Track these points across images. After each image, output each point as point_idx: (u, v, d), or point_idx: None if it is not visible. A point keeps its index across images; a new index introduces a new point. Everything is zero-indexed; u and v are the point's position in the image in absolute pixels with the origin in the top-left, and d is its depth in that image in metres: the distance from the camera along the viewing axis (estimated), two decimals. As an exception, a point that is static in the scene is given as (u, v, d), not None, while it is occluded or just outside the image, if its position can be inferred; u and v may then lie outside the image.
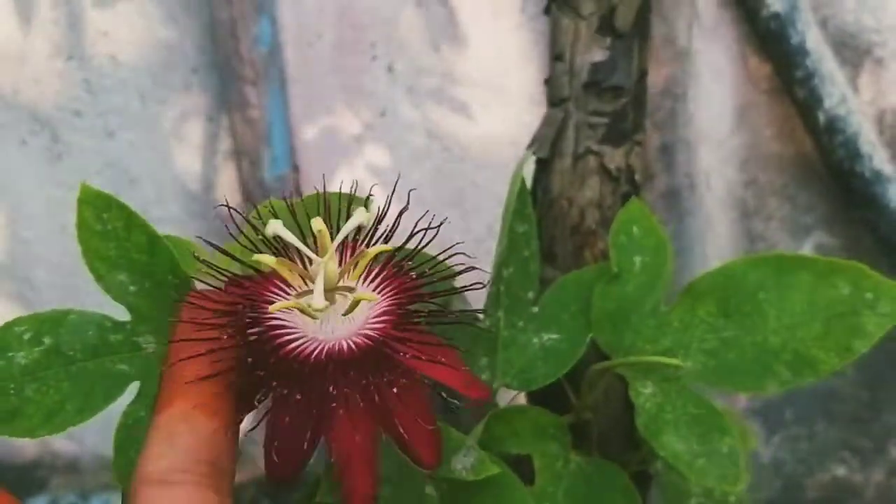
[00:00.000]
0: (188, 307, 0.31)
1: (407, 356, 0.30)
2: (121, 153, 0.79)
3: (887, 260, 0.72)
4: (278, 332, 0.30)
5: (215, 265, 0.31)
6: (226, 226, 0.32)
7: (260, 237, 0.32)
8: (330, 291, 0.30)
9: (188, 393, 0.29)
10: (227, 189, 0.79)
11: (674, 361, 0.45)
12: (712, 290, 0.47)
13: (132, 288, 0.35)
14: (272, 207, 0.33)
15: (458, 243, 0.32)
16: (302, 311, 0.29)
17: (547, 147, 0.57)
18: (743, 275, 0.47)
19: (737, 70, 0.73)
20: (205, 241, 0.33)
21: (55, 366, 0.35)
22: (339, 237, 0.31)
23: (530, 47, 0.72)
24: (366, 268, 0.31)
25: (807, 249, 0.77)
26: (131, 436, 0.35)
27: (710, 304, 0.47)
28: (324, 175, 0.39)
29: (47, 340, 0.35)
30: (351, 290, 0.31)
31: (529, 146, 0.58)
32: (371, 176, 0.78)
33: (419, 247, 0.32)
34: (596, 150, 0.56)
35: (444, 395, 0.31)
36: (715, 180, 0.76)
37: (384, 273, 0.32)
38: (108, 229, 0.35)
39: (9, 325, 0.36)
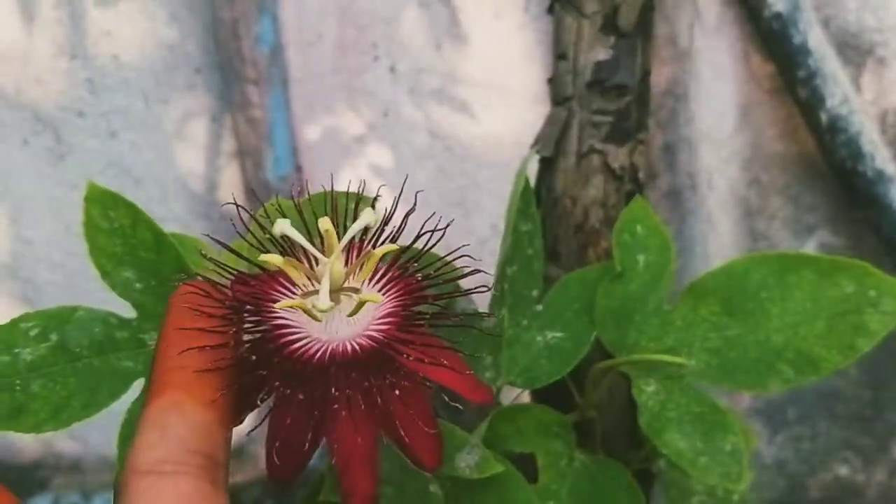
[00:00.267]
0: (182, 295, 0.31)
1: (410, 359, 0.29)
2: (123, 153, 0.79)
3: (890, 259, 0.72)
4: (282, 331, 0.30)
5: (222, 263, 0.31)
6: (232, 224, 0.32)
7: (267, 236, 0.32)
8: (335, 292, 0.30)
9: (180, 382, 0.28)
10: (230, 189, 0.79)
11: (677, 360, 0.45)
12: (715, 288, 0.47)
13: (138, 285, 0.36)
14: (279, 206, 0.33)
15: (464, 245, 0.31)
16: (305, 311, 0.29)
17: (551, 146, 0.57)
18: (746, 273, 0.47)
19: (739, 70, 0.73)
20: (212, 238, 0.33)
21: (61, 362, 0.36)
22: (346, 238, 0.31)
23: (533, 46, 0.72)
24: (372, 269, 0.31)
25: (809, 249, 0.78)
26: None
27: (714, 302, 0.47)
28: (332, 175, 0.39)
29: (54, 337, 0.36)
30: (356, 291, 0.31)
31: (533, 145, 0.58)
32: (373, 176, 0.78)
33: (425, 248, 0.32)
34: (599, 148, 0.56)
35: (447, 398, 0.31)
36: (717, 180, 0.76)
37: (389, 274, 0.32)
38: (115, 227, 0.35)
39: (15, 322, 0.36)
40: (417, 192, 0.34)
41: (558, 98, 0.58)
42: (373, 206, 0.32)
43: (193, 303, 0.30)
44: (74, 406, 0.35)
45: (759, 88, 0.73)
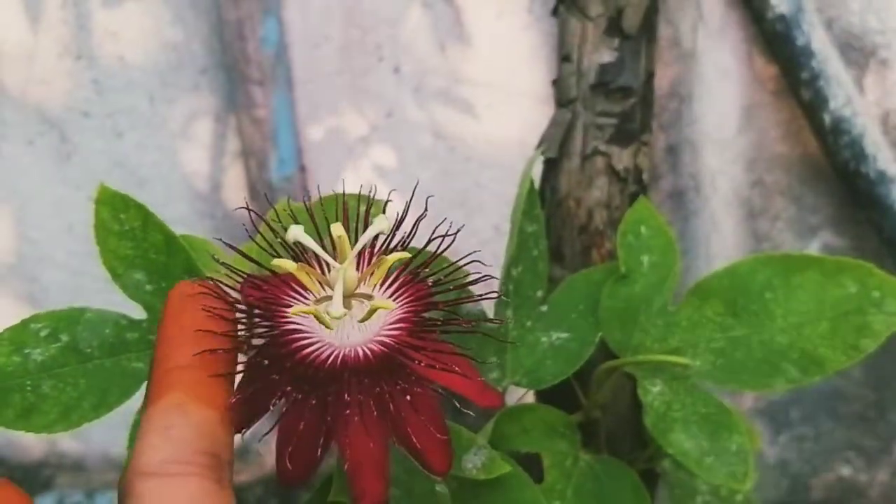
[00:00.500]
0: (178, 296, 0.30)
1: (421, 364, 0.30)
2: (129, 153, 0.79)
3: (893, 260, 0.72)
4: (294, 335, 0.30)
5: (234, 267, 0.31)
6: (244, 226, 0.32)
7: (278, 239, 0.32)
8: (347, 298, 0.30)
9: (181, 382, 0.28)
10: (234, 189, 0.80)
11: (682, 360, 0.46)
12: (720, 289, 0.48)
13: (149, 287, 0.36)
14: (291, 210, 0.33)
15: (475, 251, 0.32)
16: (317, 317, 0.29)
17: (555, 147, 0.57)
18: (750, 274, 0.47)
19: (742, 71, 0.73)
20: (223, 242, 0.33)
21: (72, 363, 0.36)
22: (359, 245, 0.31)
23: (538, 48, 0.73)
24: (383, 275, 0.32)
25: (813, 250, 0.78)
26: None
27: (718, 303, 0.47)
28: (342, 179, 0.39)
29: (64, 338, 0.36)
30: (369, 297, 0.31)
31: (538, 147, 0.58)
32: (377, 177, 0.78)
33: (436, 253, 0.32)
34: (604, 150, 0.57)
35: (456, 402, 0.31)
36: (721, 181, 0.76)
37: (400, 279, 0.32)
38: (126, 229, 0.35)
39: (25, 323, 0.36)
40: (428, 198, 0.34)
41: (562, 100, 0.58)
42: (383, 211, 0.32)
43: (200, 305, 0.29)
44: (85, 407, 0.36)
45: (762, 90, 0.74)
